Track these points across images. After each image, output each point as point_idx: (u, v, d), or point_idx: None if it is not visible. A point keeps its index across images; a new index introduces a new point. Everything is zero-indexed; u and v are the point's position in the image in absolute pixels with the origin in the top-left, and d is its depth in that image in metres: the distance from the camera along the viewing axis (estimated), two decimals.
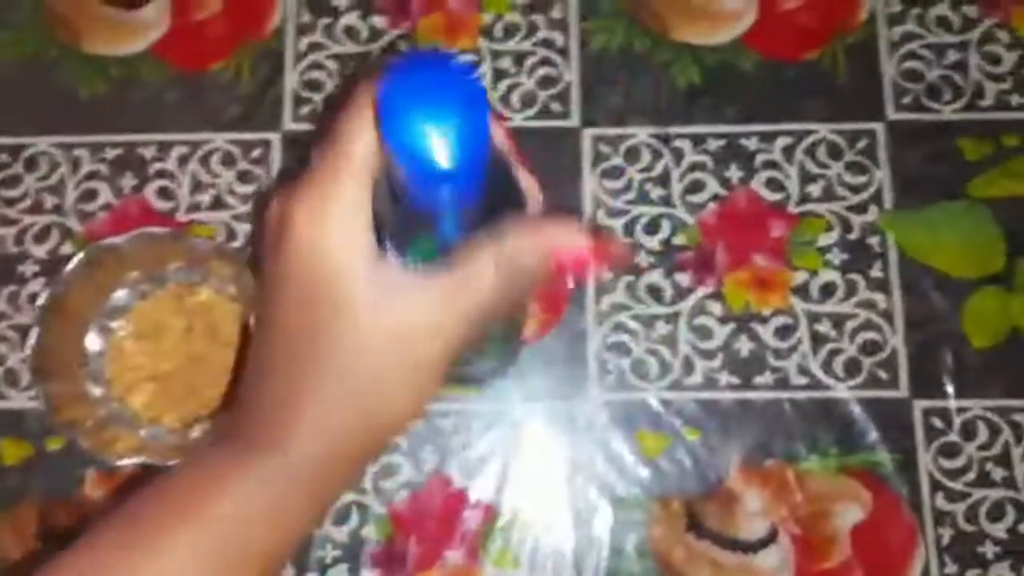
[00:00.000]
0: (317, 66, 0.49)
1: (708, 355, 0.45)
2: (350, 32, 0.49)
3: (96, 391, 0.44)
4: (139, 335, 0.45)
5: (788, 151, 0.47)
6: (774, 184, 0.47)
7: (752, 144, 0.47)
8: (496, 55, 0.49)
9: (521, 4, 0.49)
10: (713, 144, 0.47)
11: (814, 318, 0.46)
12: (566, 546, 0.44)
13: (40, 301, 0.42)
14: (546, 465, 0.45)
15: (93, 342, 0.45)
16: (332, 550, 0.44)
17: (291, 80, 0.49)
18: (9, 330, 0.46)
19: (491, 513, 0.44)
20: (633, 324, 0.46)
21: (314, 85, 0.49)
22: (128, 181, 0.48)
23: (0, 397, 0.46)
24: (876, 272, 0.46)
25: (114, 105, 0.49)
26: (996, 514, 0.44)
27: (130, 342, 0.45)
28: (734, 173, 0.47)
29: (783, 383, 0.45)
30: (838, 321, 0.45)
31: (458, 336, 0.24)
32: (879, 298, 0.46)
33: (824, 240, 0.46)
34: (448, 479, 0.45)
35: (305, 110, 0.48)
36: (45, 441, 0.45)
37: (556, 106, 0.48)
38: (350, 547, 0.44)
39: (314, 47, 0.49)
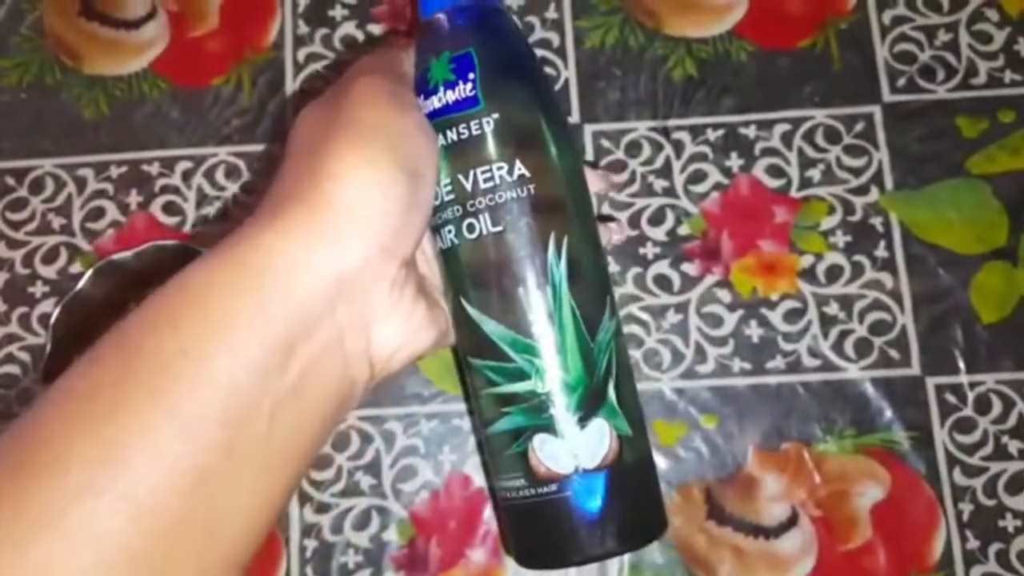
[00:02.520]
0: (317, 76, 0.49)
1: (719, 342, 0.46)
2: (348, 41, 0.50)
3: None
4: None
5: (787, 137, 0.48)
6: (775, 170, 0.47)
7: (751, 132, 0.48)
8: None
9: (516, 6, 0.50)
10: (712, 134, 0.48)
11: (822, 301, 0.46)
12: None
13: (52, 320, 0.42)
14: None
15: None
16: (354, 555, 0.44)
17: (292, 91, 0.49)
18: (22, 352, 0.46)
19: None
20: (643, 315, 0.46)
21: (315, 95, 0.49)
22: (134, 198, 0.48)
23: (15, 418, 0.45)
24: (881, 252, 0.46)
25: (117, 124, 0.49)
26: (1015, 487, 0.44)
27: None
28: (735, 162, 0.48)
29: (795, 366, 0.45)
30: (846, 302, 0.46)
31: None
32: (886, 278, 0.46)
33: (827, 223, 0.47)
34: (468, 478, 0.45)
35: None
36: None
37: None
38: (372, 552, 0.44)
39: (313, 57, 0.50)
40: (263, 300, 0.25)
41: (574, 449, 0.32)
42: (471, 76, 0.32)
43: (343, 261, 0.27)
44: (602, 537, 0.33)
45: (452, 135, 0.32)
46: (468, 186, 0.32)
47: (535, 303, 0.32)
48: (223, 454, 0.23)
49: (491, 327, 0.32)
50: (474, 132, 0.32)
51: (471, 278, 0.33)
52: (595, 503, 0.32)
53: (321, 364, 0.26)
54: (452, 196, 0.32)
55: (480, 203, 0.32)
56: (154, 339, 0.24)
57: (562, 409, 0.32)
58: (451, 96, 0.32)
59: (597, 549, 0.33)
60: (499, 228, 0.32)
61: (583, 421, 0.32)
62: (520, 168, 0.32)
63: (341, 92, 0.30)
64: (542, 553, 0.34)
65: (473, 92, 0.32)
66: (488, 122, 0.32)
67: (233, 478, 0.24)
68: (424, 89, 0.33)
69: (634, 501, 0.34)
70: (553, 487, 0.32)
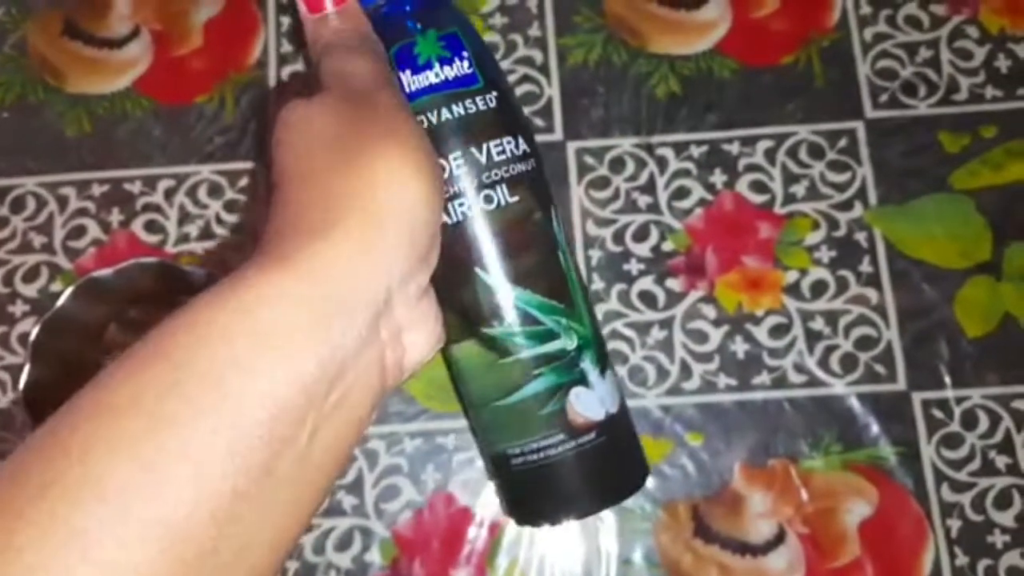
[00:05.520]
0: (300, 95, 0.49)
1: (705, 358, 0.45)
2: None
3: None
4: None
5: (770, 154, 0.48)
6: (758, 186, 0.47)
7: (734, 149, 0.48)
8: None
9: (499, 25, 0.50)
10: (696, 151, 0.48)
11: (807, 316, 0.46)
12: (574, 560, 0.43)
13: (31, 338, 0.42)
14: None
15: (86, 377, 0.44)
16: None
17: (275, 110, 0.49)
18: (0, 371, 0.46)
19: (497, 530, 0.44)
20: (628, 331, 0.46)
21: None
22: (116, 216, 0.48)
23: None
24: (866, 267, 0.46)
25: (100, 142, 0.49)
26: (1003, 502, 0.43)
27: None
28: (718, 178, 0.48)
29: (781, 382, 0.45)
30: (831, 318, 0.46)
31: None
32: (871, 293, 0.46)
33: (812, 239, 0.47)
34: (451, 497, 0.44)
35: None
36: None
37: (539, 121, 0.48)
38: (354, 573, 0.43)
39: (297, 76, 0.50)
40: (323, 314, 0.24)
41: (602, 397, 0.35)
42: (465, 55, 0.34)
43: (393, 275, 0.26)
44: (639, 470, 0.37)
45: (459, 109, 0.33)
46: (482, 159, 0.33)
47: (553, 267, 0.34)
48: (263, 475, 0.22)
49: (517, 293, 0.33)
50: (480, 108, 0.33)
51: (488, 249, 0.33)
52: (627, 440, 0.37)
53: (362, 379, 0.25)
54: (465, 168, 0.33)
55: (496, 175, 0.33)
56: (205, 351, 0.22)
57: (588, 362, 0.35)
58: (449, 72, 0.33)
59: (635, 482, 0.37)
60: (516, 198, 0.33)
61: (603, 371, 0.35)
62: (523, 143, 0.34)
63: (364, 100, 0.29)
64: (594, 497, 0.36)
65: (471, 70, 0.33)
66: (491, 99, 0.34)
67: (268, 499, 0.23)
68: (412, 64, 0.33)
69: (637, 436, 0.38)
70: (592, 435, 0.35)
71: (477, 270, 0.33)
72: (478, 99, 0.33)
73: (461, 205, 0.33)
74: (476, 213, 0.33)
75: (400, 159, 0.27)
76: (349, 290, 0.25)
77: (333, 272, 0.24)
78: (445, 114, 0.33)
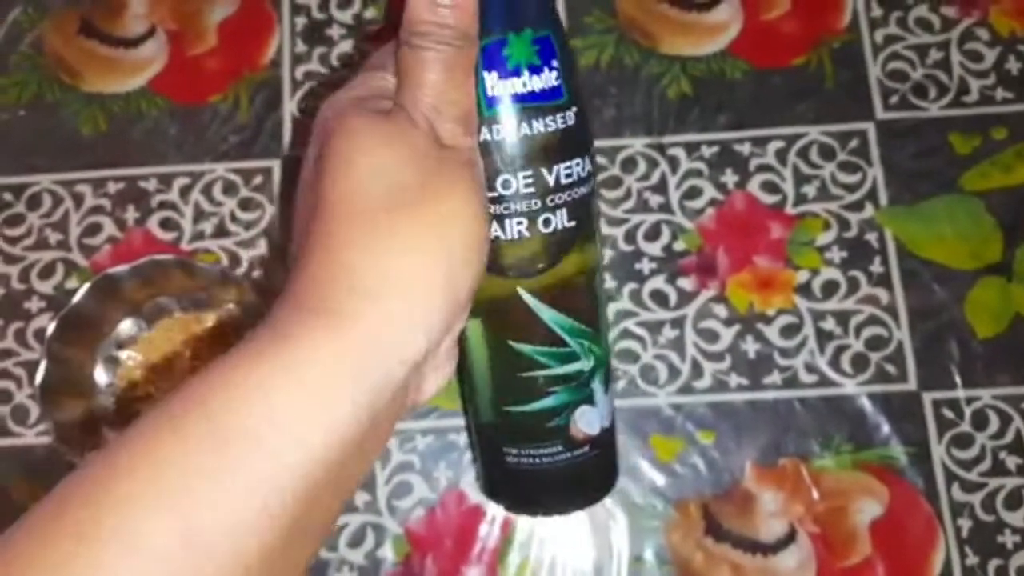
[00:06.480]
0: (314, 94, 0.50)
1: (716, 357, 0.46)
2: (345, 60, 0.50)
3: (107, 423, 0.44)
4: (147, 364, 0.45)
5: (781, 154, 0.48)
6: (770, 187, 0.48)
7: (745, 149, 0.48)
8: None
9: None
10: (707, 151, 0.48)
11: (818, 316, 0.46)
12: (585, 558, 0.43)
13: (47, 334, 0.42)
14: None
15: (101, 373, 0.45)
16: (349, 573, 0.43)
17: (289, 108, 0.49)
18: (17, 367, 0.46)
19: (508, 528, 0.44)
20: (640, 330, 0.46)
21: (312, 112, 0.49)
22: (131, 214, 0.48)
23: (9, 434, 0.45)
24: (876, 268, 0.46)
25: (116, 141, 0.49)
26: (1013, 503, 0.43)
27: (139, 372, 0.45)
28: (730, 178, 0.48)
29: (792, 382, 0.45)
30: (842, 318, 0.46)
31: None
32: (881, 293, 0.46)
33: (823, 239, 0.47)
34: (463, 495, 0.44)
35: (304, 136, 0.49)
36: (56, 478, 0.44)
37: None
38: (367, 569, 0.44)
39: (310, 75, 0.50)
40: (366, 375, 0.23)
41: (603, 413, 0.36)
42: (554, 64, 0.31)
43: (432, 334, 0.25)
44: (613, 475, 0.39)
45: (539, 125, 0.31)
46: (551, 181, 0.31)
47: (589, 290, 0.34)
48: (293, 531, 0.22)
49: (550, 315, 0.33)
50: (559, 125, 0.31)
51: (535, 270, 0.33)
52: (612, 451, 0.38)
53: (384, 430, 0.25)
54: (531, 189, 0.31)
55: (560, 198, 0.31)
56: (244, 407, 0.22)
57: (598, 382, 0.35)
58: (537, 83, 0.30)
59: (608, 487, 0.39)
60: (573, 223, 0.32)
61: (607, 390, 0.36)
62: (588, 164, 0.33)
63: (437, 142, 0.27)
64: (571, 501, 0.38)
65: (558, 82, 0.31)
66: (570, 116, 0.31)
67: (291, 551, 0.22)
68: (501, 68, 0.30)
69: (616, 444, 0.39)
70: (586, 448, 0.36)
71: (519, 289, 0.33)
72: (559, 116, 0.31)
73: (519, 224, 0.31)
74: (532, 234, 0.32)
75: (453, 216, 0.26)
76: (393, 352, 0.24)
77: (381, 334, 0.24)
78: (524, 129, 0.30)
